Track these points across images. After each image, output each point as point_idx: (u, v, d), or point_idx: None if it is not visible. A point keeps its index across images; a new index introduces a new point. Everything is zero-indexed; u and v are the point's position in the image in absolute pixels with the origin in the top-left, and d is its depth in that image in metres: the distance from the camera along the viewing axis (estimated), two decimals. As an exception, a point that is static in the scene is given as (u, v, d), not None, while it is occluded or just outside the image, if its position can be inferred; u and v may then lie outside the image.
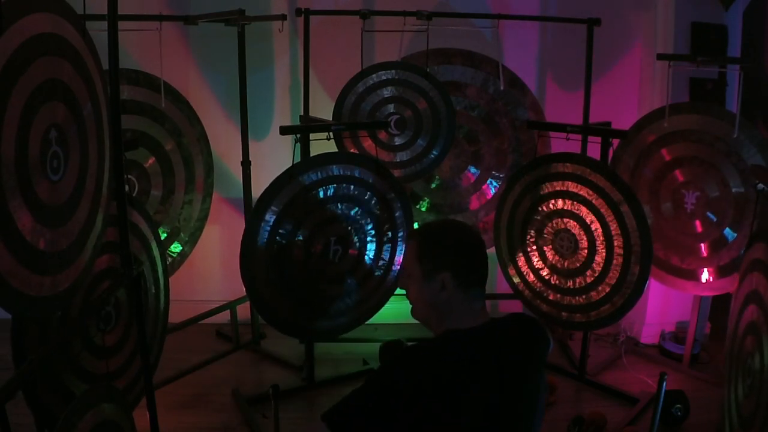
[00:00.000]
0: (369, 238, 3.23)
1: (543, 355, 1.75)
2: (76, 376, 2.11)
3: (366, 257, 3.23)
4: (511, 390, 1.63)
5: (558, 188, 3.31)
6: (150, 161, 3.34)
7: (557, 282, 3.39)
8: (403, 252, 3.32)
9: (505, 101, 3.80)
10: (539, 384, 1.74)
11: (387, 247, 3.28)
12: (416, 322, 1.80)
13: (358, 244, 3.20)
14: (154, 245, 2.63)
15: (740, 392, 2.25)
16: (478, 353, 1.61)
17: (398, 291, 3.40)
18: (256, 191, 3.28)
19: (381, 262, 3.28)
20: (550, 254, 3.40)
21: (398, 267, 3.32)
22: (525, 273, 3.49)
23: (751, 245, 2.37)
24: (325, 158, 3.08)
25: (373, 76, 3.59)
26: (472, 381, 1.56)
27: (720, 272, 3.40)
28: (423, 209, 3.92)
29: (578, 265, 3.30)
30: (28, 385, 1.92)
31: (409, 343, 1.89)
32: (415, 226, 3.75)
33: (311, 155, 3.05)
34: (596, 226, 3.22)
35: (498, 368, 1.61)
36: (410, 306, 1.78)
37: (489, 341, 1.64)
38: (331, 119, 3.59)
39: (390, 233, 3.27)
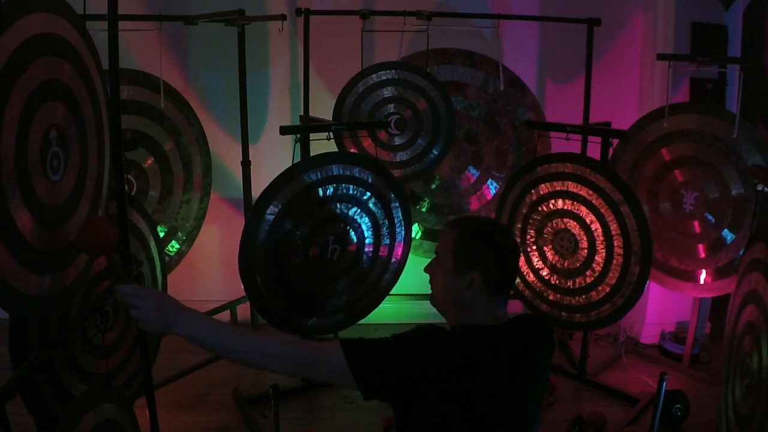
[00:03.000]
0: (367, 238, 3.23)
1: (549, 356, 1.75)
2: (74, 375, 2.11)
3: (364, 256, 3.23)
4: (518, 389, 1.64)
5: (558, 188, 3.32)
6: (149, 161, 3.34)
7: (557, 282, 3.39)
8: (401, 251, 3.33)
9: (505, 101, 3.80)
10: (544, 384, 1.75)
11: (385, 246, 3.28)
12: (416, 322, 1.80)
13: (356, 243, 3.20)
14: (152, 244, 2.63)
15: (738, 392, 2.25)
16: (488, 349, 1.61)
17: (394, 291, 3.40)
18: (256, 191, 3.28)
19: (378, 261, 3.28)
20: (549, 254, 3.40)
21: (396, 267, 3.32)
22: (525, 273, 3.49)
23: (751, 245, 2.36)
24: (325, 158, 3.08)
25: (373, 76, 3.59)
26: (480, 377, 1.57)
27: (718, 273, 3.39)
28: (423, 209, 3.91)
29: (578, 265, 3.30)
30: (27, 386, 1.92)
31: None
32: (416, 227, 3.76)
33: (311, 155, 3.06)
34: (596, 226, 3.22)
35: (506, 367, 1.62)
36: (414, 302, 1.77)
37: (500, 339, 1.64)
38: (331, 119, 3.59)
39: (388, 233, 3.27)
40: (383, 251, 3.28)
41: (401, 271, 3.34)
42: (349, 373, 1.52)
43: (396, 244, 3.30)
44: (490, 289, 1.64)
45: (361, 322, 3.33)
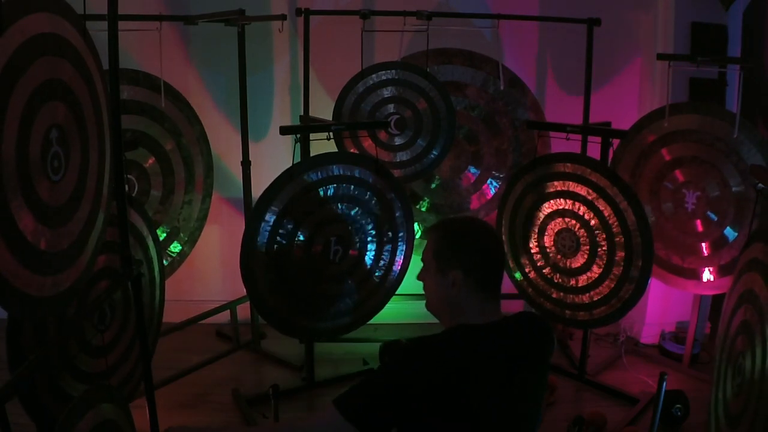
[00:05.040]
0: (369, 239, 3.23)
1: (548, 355, 1.75)
2: (71, 375, 2.11)
3: (366, 257, 3.23)
4: (517, 388, 1.64)
5: (559, 188, 3.32)
6: (150, 161, 3.34)
7: (560, 280, 3.39)
8: (403, 251, 3.33)
9: (505, 101, 3.80)
10: (543, 384, 1.75)
11: (387, 247, 3.28)
12: (416, 322, 1.82)
13: (358, 244, 3.20)
14: (150, 244, 2.63)
15: (729, 391, 2.25)
16: (485, 349, 1.61)
17: (398, 291, 3.40)
18: (256, 191, 3.28)
19: (381, 263, 3.28)
20: (552, 253, 3.40)
21: (398, 267, 3.32)
22: (527, 271, 3.49)
23: (749, 245, 2.36)
24: (325, 158, 3.08)
25: (373, 76, 3.59)
26: (477, 377, 1.57)
27: (721, 271, 3.40)
28: (423, 209, 3.92)
29: (580, 263, 3.31)
30: (26, 386, 1.92)
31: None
32: (416, 226, 3.76)
33: (311, 155, 3.06)
34: (597, 226, 3.22)
35: (505, 366, 1.62)
36: (414, 302, 1.79)
37: (497, 339, 1.65)
38: (331, 119, 3.59)
39: (390, 233, 3.27)
40: (386, 252, 3.28)
41: (405, 272, 3.34)
42: (350, 426, 1.52)
43: (398, 244, 3.30)
44: (474, 285, 1.66)
45: (361, 322, 3.33)
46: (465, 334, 1.63)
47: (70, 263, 1.64)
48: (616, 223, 3.16)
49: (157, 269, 2.69)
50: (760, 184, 2.70)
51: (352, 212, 3.16)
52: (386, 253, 3.28)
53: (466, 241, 1.70)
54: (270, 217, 2.96)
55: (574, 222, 3.30)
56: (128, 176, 3.21)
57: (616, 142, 3.26)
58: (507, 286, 3.62)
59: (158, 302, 2.73)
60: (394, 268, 3.31)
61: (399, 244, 3.31)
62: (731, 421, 2.17)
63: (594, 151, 3.29)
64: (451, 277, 1.66)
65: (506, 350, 1.64)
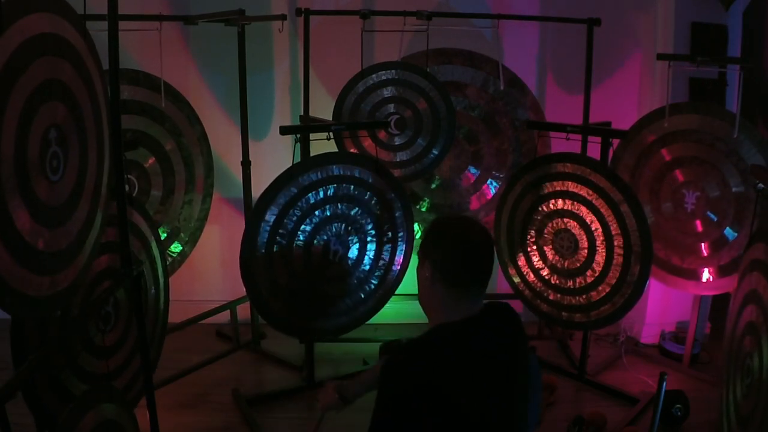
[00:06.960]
0: (369, 238, 3.23)
1: (526, 340, 1.75)
2: (75, 375, 2.11)
3: (366, 257, 3.23)
4: (514, 385, 1.64)
5: (558, 188, 3.32)
6: (150, 161, 3.34)
7: (557, 282, 3.39)
8: (403, 251, 3.33)
9: (505, 101, 3.80)
10: (530, 372, 1.73)
11: (387, 247, 3.28)
12: (416, 322, 1.83)
13: (358, 244, 3.20)
14: (153, 244, 2.63)
15: (738, 392, 2.25)
16: (483, 348, 1.61)
17: (398, 291, 3.40)
18: (256, 191, 3.28)
19: (381, 262, 3.28)
20: (550, 254, 3.40)
21: (398, 267, 3.32)
22: (525, 273, 3.49)
23: (751, 245, 2.37)
24: (325, 158, 3.08)
25: (373, 76, 3.59)
26: (475, 376, 1.57)
27: (721, 272, 3.40)
28: (423, 209, 3.92)
29: (578, 265, 3.30)
30: (28, 386, 1.92)
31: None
32: (416, 226, 3.77)
33: (311, 155, 3.06)
34: (596, 226, 3.22)
35: (503, 365, 1.62)
36: (414, 302, 1.80)
37: (495, 337, 1.65)
38: (331, 119, 3.59)
39: (390, 233, 3.28)
40: (385, 252, 3.28)
41: (405, 272, 3.34)
42: None
43: (398, 244, 3.30)
44: (444, 282, 1.66)
45: (361, 322, 3.33)
46: (450, 333, 1.62)
47: (68, 263, 1.64)
48: (615, 224, 3.16)
49: (161, 270, 2.69)
50: (760, 184, 2.70)
51: (352, 212, 3.16)
52: (386, 253, 3.28)
53: (436, 236, 1.72)
54: (270, 217, 2.96)
55: (573, 223, 3.30)
56: (128, 176, 3.21)
57: (616, 142, 3.26)
58: (504, 286, 3.64)
59: (163, 303, 2.73)
60: (394, 267, 3.31)
61: (399, 243, 3.31)
62: (742, 422, 2.17)
63: (594, 151, 3.29)
64: (425, 269, 1.69)
65: (506, 349, 1.65)
